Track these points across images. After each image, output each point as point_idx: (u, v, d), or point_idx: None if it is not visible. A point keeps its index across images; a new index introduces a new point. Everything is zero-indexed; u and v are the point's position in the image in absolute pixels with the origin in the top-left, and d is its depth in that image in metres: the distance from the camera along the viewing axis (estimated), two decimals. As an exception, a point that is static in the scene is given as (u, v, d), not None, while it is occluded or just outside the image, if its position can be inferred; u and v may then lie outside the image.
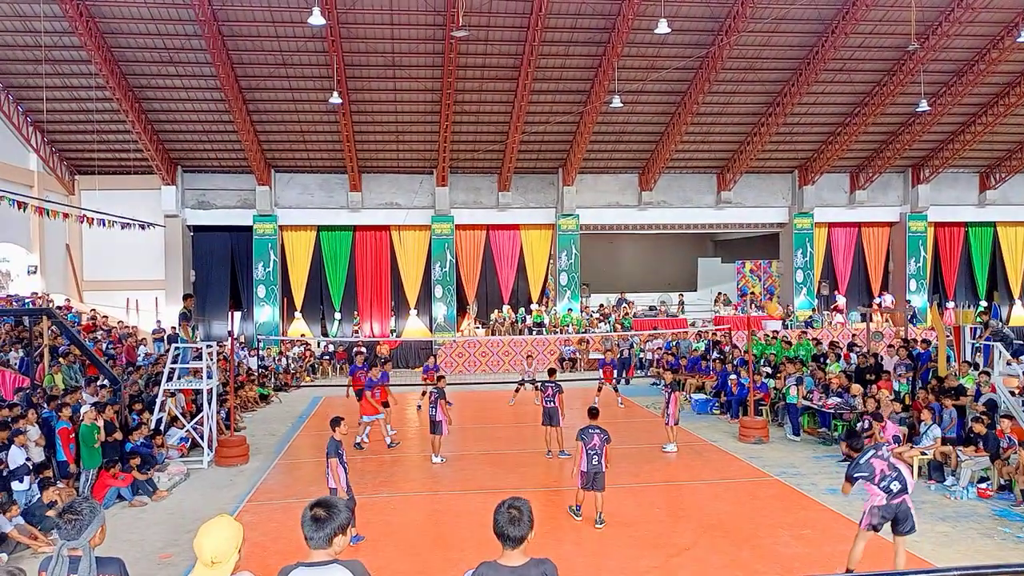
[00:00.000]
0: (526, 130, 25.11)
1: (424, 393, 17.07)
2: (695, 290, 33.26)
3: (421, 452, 13.69)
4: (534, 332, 27.19)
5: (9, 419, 10.84)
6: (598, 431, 9.19)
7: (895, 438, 11.86)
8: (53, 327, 16.13)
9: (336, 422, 8.88)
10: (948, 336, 15.88)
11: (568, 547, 8.38)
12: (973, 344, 15.75)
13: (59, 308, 21.20)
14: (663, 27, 18.88)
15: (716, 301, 30.56)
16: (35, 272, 24.78)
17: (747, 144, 27.22)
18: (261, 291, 27.45)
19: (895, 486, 6.53)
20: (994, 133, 27.38)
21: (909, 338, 19.14)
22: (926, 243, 30.51)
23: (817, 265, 30.34)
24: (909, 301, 29.31)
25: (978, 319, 21.87)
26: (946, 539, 8.73)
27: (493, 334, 26.98)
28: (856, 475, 6.74)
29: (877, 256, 31.17)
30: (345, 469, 8.62)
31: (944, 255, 31.47)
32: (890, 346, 17.83)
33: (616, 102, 22.22)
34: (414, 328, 28.59)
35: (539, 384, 13.70)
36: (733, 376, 17.55)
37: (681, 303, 31.04)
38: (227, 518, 3.60)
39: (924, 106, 23.17)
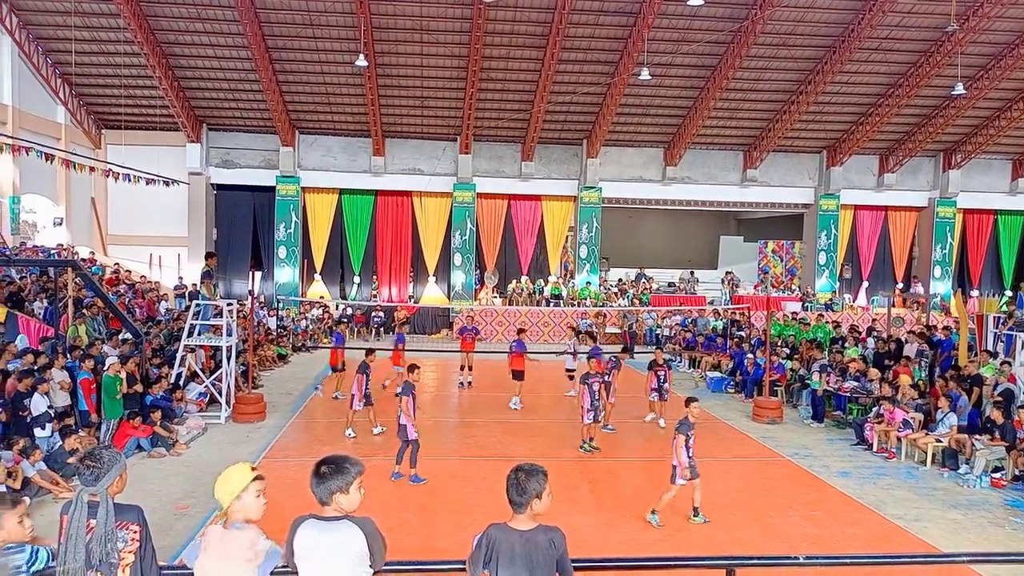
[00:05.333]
0: (552, 100, 24.87)
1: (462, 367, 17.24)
2: (715, 268, 33.05)
3: (434, 417, 13.84)
4: (551, 304, 27.18)
5: (34, 367, 11.07)
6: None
7: (905, 422, 11.82)
8: (77, 279, 16.34)
9: (412, 368, 10.34)
10: (971, 325, 15.68)
11: (577, 517, 8.46)
12: (996, 333, 15.55)
13: (83, 260, 21.44)
14: (696, -2, 18.55)
15: (724, 281, 30.08)
16: (60, 224, 25.07)
17: (776, 122, 26.81)
18: (282, 252, 27.63)
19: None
20: (1030, 120, 26.78)
21: (930, 324, 18.93)
22: (954, 230, 30.05)
23: (841, 248, 30.01)
24: (935, 295, 28.90)
25: (1002, 308, 21.56)
26: (956, 526, 8.71)
27: (511, 304, 27.02)
28: (686, 431, 8.49)
29: (903, 241, 30.76)
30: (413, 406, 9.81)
31: (971, 242, 31.00)
32: (911, 332, 17.64)
33: (644, 74, 21.92)
34: (432, 295, 28.70)
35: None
36: (749, 356, 17.48)
37: (690, 279, 30.80)
38: (238, 465, 3.69)
39: (960, 89, 22.61)
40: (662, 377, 13.66)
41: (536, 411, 14.72)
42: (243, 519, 3.62)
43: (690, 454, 8.45)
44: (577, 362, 16.06)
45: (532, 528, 3.77)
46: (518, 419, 13.97)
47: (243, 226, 28.25)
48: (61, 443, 9.98)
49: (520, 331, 16.96)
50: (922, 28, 22.73)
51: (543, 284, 28.39)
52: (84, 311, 16.19)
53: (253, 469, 3.69)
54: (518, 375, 15.10)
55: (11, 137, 19.67)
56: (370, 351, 13.04)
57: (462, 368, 17.16)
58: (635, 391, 17.28)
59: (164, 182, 22.73)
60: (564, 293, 27.94)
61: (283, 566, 3.65)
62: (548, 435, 12.76)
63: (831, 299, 28.49)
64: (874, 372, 14.14)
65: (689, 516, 8.57)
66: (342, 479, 3.53)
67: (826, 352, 16.75)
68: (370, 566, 3.56)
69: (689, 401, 8.95)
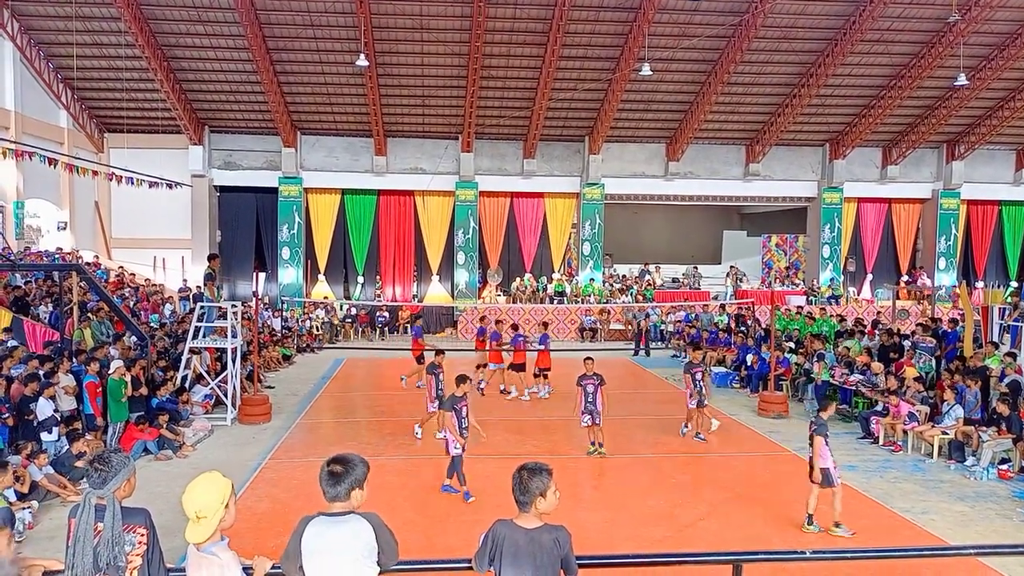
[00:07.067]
0: (553, 97, 24.84)
1: (478, 366, 16.29)
2: (719, 263, 33.01)
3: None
4: (555, 301, 27.17)
5: (39, 372, 11.10)
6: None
7: (911, 415, 11.80)
8: (82, 283, 16.39)
9: (461, 379, 9.53)
10: (976, 316, 15.64)
11: (582, 515, 8.46)
12: (1001, 325, 15.51)
13: (88, 264, 21.51)
14: (696, -7, 18.50)
15: (728, 275, 29.97)
16: (64, 228, 25.15)
17: (778, 115, 26.75)
18: (285, 253, 27.67)
19: None
20: (1034, 109, 26.66)
21: (936, 317, 18.89)
22: (958, 221, 29.95)
23: (844, 241, 29.94)
24: (940, 287, 28.78)
25: (1008, 299, 21.50)
26: (963, 518, 8.70)
27: (514, 302, 27.01)
28: (826, 432, 8.13)
29: (907, 233, 30.68)
30: (460, 421, 9.29)
31: (976, 234, 30.91)
32: (918, 324, 17.62)
33: (645, 70, 21.87)
34: (436, 294, 28.72)
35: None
36: (752, 354, 17.45)
37: (694, 275, 30.75)
38: (214, 475, 3.63)
39: (962, 80, 22.54)
40: (699, 379, 12.11)
41: (542, 408, 14.72)
42: (218, 533, 3.61)
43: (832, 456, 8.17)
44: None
45: (537, 526, 3.78)
46: (524, 416, 13.98)
47: (246, 228, 28.29)
48: (68, 447, 10.02)
49: (544, 324, 18.09)
50: (924, 19, 22.63)
51: (546, 281, 28.39)
52: (90, 315, 16.24)
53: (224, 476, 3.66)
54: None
55: (14, 142, 19.73)
56: (439, 351, 12.55)
57: (478, 367, 16.15)
58: (642, 388, 17.31)
59: (167, 185, 22.79)
60: (568, 290, 27.93)
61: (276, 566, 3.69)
62: (555, 432, 12.76)
63: (831, 290, 28.40)
64: (877, 366, 14.11)
65: (803, 524, 8.23)
66: (359, 475, 3.64)
67: (828, 345, 16.73)
68: (378, 562, 3.60)
69: (827, 402, 8.70)
